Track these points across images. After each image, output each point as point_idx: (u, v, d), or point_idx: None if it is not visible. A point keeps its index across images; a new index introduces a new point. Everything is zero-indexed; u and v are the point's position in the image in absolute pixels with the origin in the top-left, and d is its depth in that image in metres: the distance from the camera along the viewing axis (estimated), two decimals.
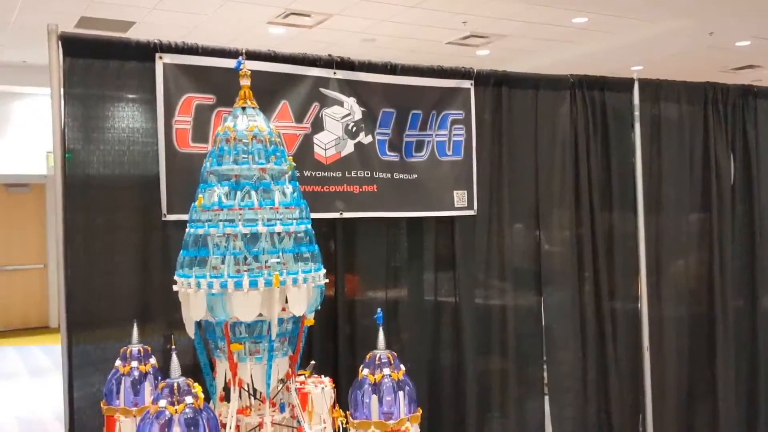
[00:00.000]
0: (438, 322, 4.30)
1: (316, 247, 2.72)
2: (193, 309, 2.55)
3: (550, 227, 4.58)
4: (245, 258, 2.56)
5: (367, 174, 3.92)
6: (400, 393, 2.53)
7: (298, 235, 2.65)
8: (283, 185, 2.65)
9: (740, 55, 11.18)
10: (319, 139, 3.81)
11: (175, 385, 2.23)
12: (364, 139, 3.92)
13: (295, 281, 2.55)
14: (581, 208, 4.64)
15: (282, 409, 2.71)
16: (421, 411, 2.59)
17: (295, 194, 2.69)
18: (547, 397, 4.63)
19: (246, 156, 2.60)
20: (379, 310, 2.68)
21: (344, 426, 2.92)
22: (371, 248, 4.03)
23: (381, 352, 2.61)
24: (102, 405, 2.82)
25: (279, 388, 2.70)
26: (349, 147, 3.88)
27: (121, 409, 2.74)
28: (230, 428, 2.55)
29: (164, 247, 3.44)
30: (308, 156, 3.77)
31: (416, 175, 4.08)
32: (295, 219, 2.64)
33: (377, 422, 2.49)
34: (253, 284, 2.48)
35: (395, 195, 4.01)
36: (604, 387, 4.69)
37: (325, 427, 2.94)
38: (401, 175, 4.03)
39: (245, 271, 2.53)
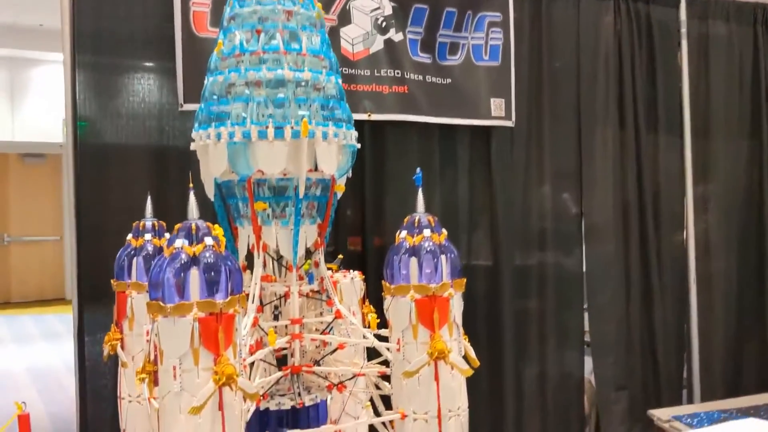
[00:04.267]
0: (469, 245, 4.02)
1: (348, 107, 2.45)
2: (213, 164, 2.29)
3: (592, 146, 4.29)
4: (270, 111, 2.29)
5: (398, 74, 3.65)
6: (443, 257, 2.25)
7: (328, 89, 2.38)
8: (311, 32, 2.38)
9: None
10: (346, 32, 3.55)
11: (193, 225, 1.96)
12: (395, 36, 3.65)
13: (325, 135, 2.28)
14: (626, 128, 4.35)
15: (310, 280, 2.44)
16: (465, 281, 2.32)
17: (324, 46, 2.42)
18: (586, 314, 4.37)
19: None
20: (418, 170, 2.41)
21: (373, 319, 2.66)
22: (401, 157, 3.76)
23: (420, 214, 2.34)
24: (112, 283, 2.57)
25: (306, 260, 2.43)
26: (379, 43, 3.62)
27: (133, 284, 2.48)
28: (254, 296, 2.28)
29: (182, 138, 3.20)
30: (334, 51, 3.50)
31: (450, 80, 3.81)
32: (325, 68, 2.37)
33: (417, 285, 2.21)
34: (279, 134, 2.22)
35: (427, 99, 3.74)
36: (648, 323, 4.40)
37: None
38: (434, 79, 3.77)
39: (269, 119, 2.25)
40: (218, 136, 2.26)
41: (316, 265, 2.47)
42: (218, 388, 1.87)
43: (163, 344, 1.91)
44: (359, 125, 3.56)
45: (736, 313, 4.65)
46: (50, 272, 12.94)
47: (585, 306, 4.32)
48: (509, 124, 3.97)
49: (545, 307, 4.15)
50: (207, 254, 1.93)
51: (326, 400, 2.42)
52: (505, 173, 4.00)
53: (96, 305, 3.18)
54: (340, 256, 2.93)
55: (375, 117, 3.60)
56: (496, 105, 3.92)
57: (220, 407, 1.90)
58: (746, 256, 4.69)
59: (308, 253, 2.47)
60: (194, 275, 1.90)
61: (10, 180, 13.08)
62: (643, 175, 4.39)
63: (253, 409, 2.25)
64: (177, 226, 1.98)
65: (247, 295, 2.28)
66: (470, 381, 2.28)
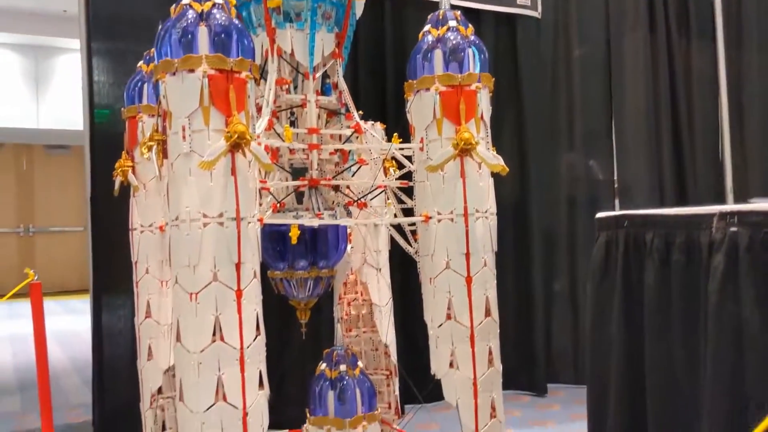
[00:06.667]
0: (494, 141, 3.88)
1: None
2: None
3: (622, 50, 4.13)
4: None
5: None
6: (470, 50, 2.11)
7: None
8: None
9: None
10: None
11: None
12: None
13: None
14: (657, 31, 4.20)
15: (328, 92, 2.31)
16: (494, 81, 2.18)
17: None
18: None
19: None
20: None
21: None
22: None
23: (446, 9, 2.21)
24: (123, 111, 2.46)
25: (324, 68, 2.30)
26: None
27: (144, 106, 2.38)
28: (268, 101, 2.15)
29: None
30: None
31: None
32: None
33: (442, 75, 2.05)
34: None
35: None
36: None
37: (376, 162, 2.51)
38: None
39: None
40: None
41: (335, 86, 2.34)
42: (230, 150, 1.75)
43: (171, 105, 1.79)
44: (379, 3, 3.48)
45: None
46: (74, 263, 12.89)
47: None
48: (535, 14, 3.83)
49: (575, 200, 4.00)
50: (216, 13, 1.82)
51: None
52: (531, 66, 3.86)
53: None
54: (361, 112, 2.79)
55: None
56: None
57: (233, 172, 1.78)
58: None
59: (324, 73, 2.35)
60: (203, 32, 1.79)
61: (35, 171, 13.14)
62: (676, 79, 4.23)
63: (270, 212, 2.12)
64: None
65: (260, 108, 2.15)
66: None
